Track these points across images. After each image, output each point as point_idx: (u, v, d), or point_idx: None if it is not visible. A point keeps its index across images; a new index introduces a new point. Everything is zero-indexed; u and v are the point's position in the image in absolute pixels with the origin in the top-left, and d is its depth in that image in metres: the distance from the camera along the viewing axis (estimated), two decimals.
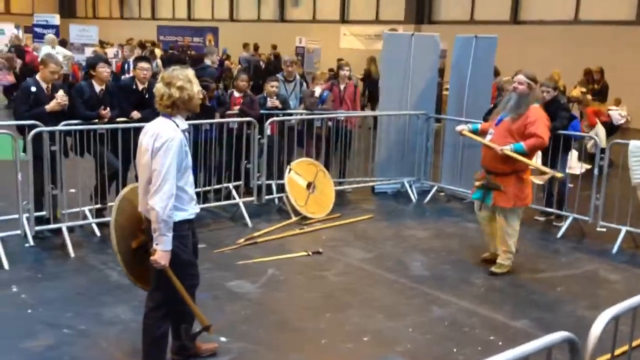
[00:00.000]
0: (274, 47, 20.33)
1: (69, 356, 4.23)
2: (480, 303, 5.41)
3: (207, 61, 10.46)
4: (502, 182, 5.80)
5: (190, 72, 3.82)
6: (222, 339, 4.54)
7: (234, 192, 7.72)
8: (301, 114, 8.49)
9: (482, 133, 6.14)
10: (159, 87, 3.71)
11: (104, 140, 6.66)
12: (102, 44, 22.41)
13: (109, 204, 6.80)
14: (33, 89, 6.31)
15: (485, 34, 8.71)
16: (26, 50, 16.46)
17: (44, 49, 16.24)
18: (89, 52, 17.84)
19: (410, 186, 8.90)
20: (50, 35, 16.60)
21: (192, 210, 3.85)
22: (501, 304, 5.43)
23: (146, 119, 6.78)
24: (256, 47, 20.30)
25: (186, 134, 3.85)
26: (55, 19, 21.94)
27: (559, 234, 7.31)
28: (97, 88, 6.71)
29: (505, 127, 5.82)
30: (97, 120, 6.61)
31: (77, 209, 6.70)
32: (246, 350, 4.42)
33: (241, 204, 7.46)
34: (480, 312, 5.23)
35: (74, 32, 20.20)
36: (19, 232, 6.05)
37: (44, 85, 6.37)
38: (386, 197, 8.96)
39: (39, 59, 6.85)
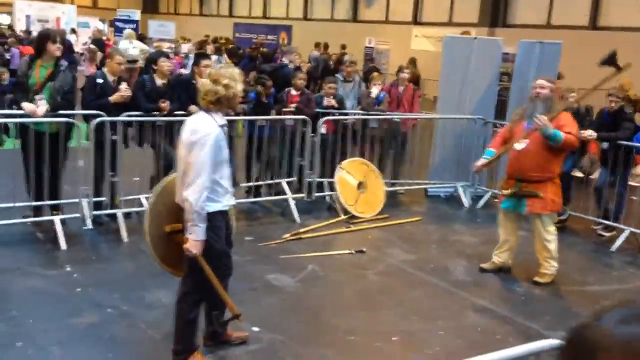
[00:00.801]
0: (343, 47, 20.44)
1: (109, 334, 4.47)
2: (518, 312, 5.35)
3: (285, 60, 10.66)
4: (539, 188, 5.71)
5: (236, 71, 3.99)
6: (255, 328, 4.69)
7: (286, 188, 7.88)
8: (357, 114, 8.56)
9: (508, 141, 6.01)
10: (206, 83, 3.89)
11: (162, 132, 6.95)
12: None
13: None
14: (100, 80, 6.66)
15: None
16: (106, 43, 17.23)
17: (122, 43, 16.96)
18: (165, 46, 18.46)
19: (464, 191, 8.82)
20: (128, 30, 17.30)
21: (226, 202, 4.01)
22: (540, 314, 5.34)
23: None
24: (326, 47, 20.47)
25: (225, 129, 4.01)
26: (136, 14, 22.83)
27: (614, 247, 7.10)
28: (159, 82, 7.01)
29: (539, 134, 5.69)
30: (157, 113, 6.90)
31: (134, 197, 7.02)
32: (276, 341, 4.55)
33: (290, 200, 7.61)
34: (517, 320, 5.17)
35: (153, 28, 21.01)
36: (78, 215, 6.40)
37: (110, 78, 6.71)
38: (438, 201, 8.92)
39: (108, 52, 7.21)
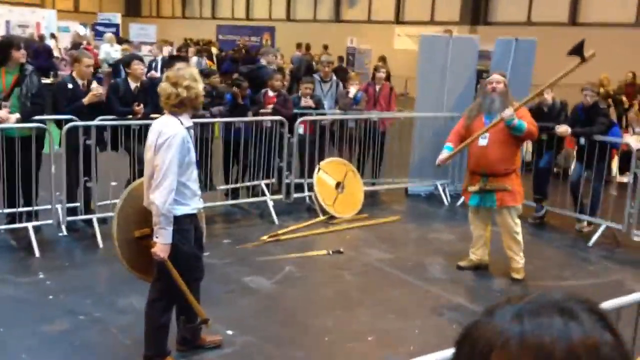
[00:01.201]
0: (325, 47, 20.45)
1: (80, 340, 4.43)
2: None
3: (263, 61, 10.63)
4: (505, 181, 5.76)
5: (195, 71, 3.96)
6: (229, 332, 4.66)
7: (265, 190, 7.86)
8: (335, 114, 8.55)
9: (465, 137, 6.03)
10: (165, 87, 3.85)
11: (137, 135, 6.89)
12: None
13: None
14: (70, 85, 6.60)
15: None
16: (87, 48, 17.09)
17: (103, 47, 16.87)
18: (146, 50, 18.38)
19: (444, 189, 8.83)
20: (108, 34, 17.21)
21: (194, 205, 3.98)
22: None
23: None
24: (308, 47, 20.45)
25: (191, 131, 3.98)
26: (117, 18, 22.70)
27: (591, 242, 7.12)
28: (132, 85, 6.96)
29: (501, 127, 5.73)
30: (131, 117, 6.85)
31: (110, 201, 6.95)
32: (249, 344, 4.52)
33: (269, 201, 7.58)
34: None
35: (134, 31, 20.88)
36: (51, 221, 6.33)
37: (80, 82, 6.65)
38: (419, 200, 8.92)
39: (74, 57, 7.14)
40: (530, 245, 7.27)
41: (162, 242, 3.77)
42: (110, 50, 16.55)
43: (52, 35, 22.69)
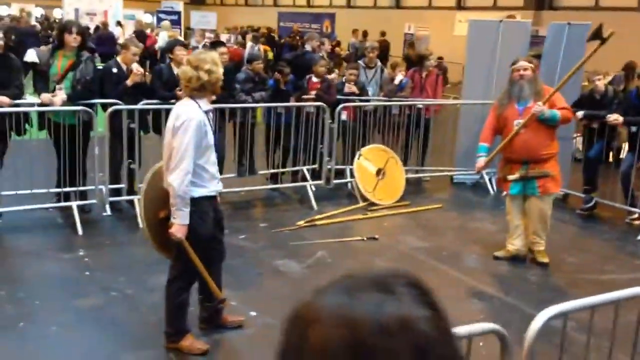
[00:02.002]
0: (383, 33, 20.26)
1: (109, 316, 4.59)
2: (526, 300, 5.22)
3: (308, 47, 10.66)
4: (547, 167, 5.63)
5: (215, 55, 4.01)
6: (252, 313, 4.73)
7: (306, 175, 7.90)
8: (378, 100, 8.49)
9: (500, 129, 5.87)
10: (187, 70, 3.91)
11: None
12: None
13: None
14: (114, 70, 6.79)
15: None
16: (148, 35, 17.55)
17: (162, 34, 17.28)
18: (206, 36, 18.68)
19: (490, 178, 8.63)
20: (165, 22, 17.58)
21: (212, 187, 4.04)
22: (550, 302, 5.18)
23: (221, 100, 7.16)
24: (365, 34, 20.31)
25: (210, 115, 4.03)
26: (179, 6, 23.14)
27: (639, 236, 6.84)
28: (175, 70, 7.09)
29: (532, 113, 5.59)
30: (173, 101, 6.98)
31: None
32: (271, 326, 4.56)
33: (308, 187, 7.62)
34: (525, 309, 5.04)
35: (195, 18, 21.27)
36: (95, 201, 6.56)
37: (124, 67, 6.83)
38: (464, 188, 8.77)
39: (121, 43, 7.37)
40: (577, 237, 7.09)
41: (178, 223, 3.85)
42: (166, 38, 16.94)
43: (118, 23, 23.40)
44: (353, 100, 8.16)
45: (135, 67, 6.80)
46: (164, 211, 4.16)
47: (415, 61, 10.21)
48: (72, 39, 6.41)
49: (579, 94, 7.79)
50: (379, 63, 8.86)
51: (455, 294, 5.30)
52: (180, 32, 21.59)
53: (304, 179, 7.91)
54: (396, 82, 8.40)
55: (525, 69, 5.73)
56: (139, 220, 6.49)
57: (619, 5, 18.63)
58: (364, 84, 8.46)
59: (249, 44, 16.96)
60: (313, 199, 7.48)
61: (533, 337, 2.22)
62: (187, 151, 3.79)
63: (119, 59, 6.92)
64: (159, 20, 21.83)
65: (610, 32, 5.31)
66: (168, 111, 6.92)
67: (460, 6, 24.27)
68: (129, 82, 6.72)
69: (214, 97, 4.35)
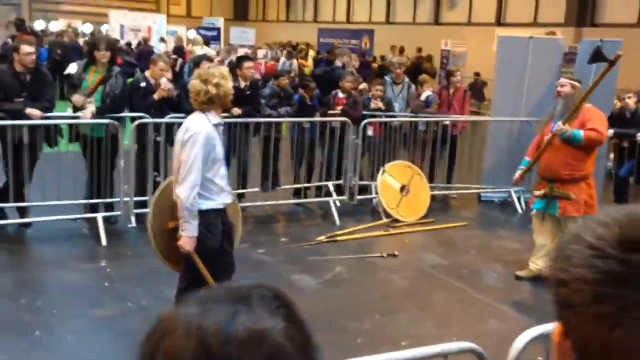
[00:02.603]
0: (419, 50, 20.22)
1: (122, 326, 4.67)
2: (545, 320, 5.09)
3: (338, 62, 10.76)
4: (572, 189, 5.47)
5: (224, 69, 4.08)
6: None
7: (331, 190, 7.92)
8: (405, 116, 8.47)
9: (538, 147, 5.82)
10: (195, 84, 3.99)
11: None
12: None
13: None
14: (142, 84, 6.97)
15: None
16: (187, 50, 17.92)
17: (196, 50, 17.64)
18: (241, 52, 18.96)
19: (519, 197, 8.50)
20: (196, 37, 17.94)
21: (221, 200, 4.09)
22: None
23: (247, 114, 7.27)
24: (402, 50, 20.31)
25: (220, 128, 4.10)
26: (219, 22, 23.55)
27: None
28: None
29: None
30: None
31: None
32: None
33: (331, 202, 7.63)
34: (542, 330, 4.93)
35: (234, 34, 21.62)
36: (119, 213, 6.71)
37: (152, 81, 6.99)
38: (491, 206, 8.65)
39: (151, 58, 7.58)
40: None
41: (187, 235, 3.92)
42: (200, 53, 17.33)
43: (162, 39, 23.95)
44: (379, 116, 8.16)
45: (164, 82, 6.95)
46: (173, 222, 4.23)
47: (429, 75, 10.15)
48: (101, 55, 6.61)
49: (609, 112, 7.63)
50: (407, 79, 8.84)
51: (471, 313, 5.24)
52: (220, 47, 21.96)
53: (329, 195, 7.93)
54: (422, 98, 8.37)
55: (562, 86, 5.65)
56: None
57: None
58: (390, 99, 8.45)
59: (282, 59, 17.17)
60: (336, 214, 7.49)
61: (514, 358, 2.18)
62: (195, 164, 3.85)
63: (147, 73, 7.09)
64: (202, 36, 22.26)
65: (617, 54, 5.24)
66: None
67: (499, 22, 24.08)
68: (156, 96, 6.88)
69: (239, 111, 4.39)
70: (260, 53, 19.16)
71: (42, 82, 6.47)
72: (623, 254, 0.75)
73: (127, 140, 6.82)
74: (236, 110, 7.29)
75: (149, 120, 6.73)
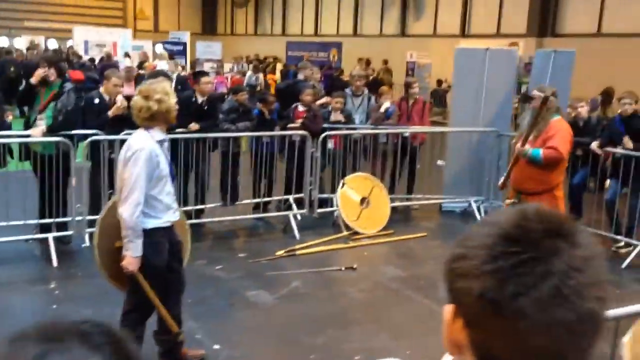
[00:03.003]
0: (385, 62, 20.36)
1: None
2: None
3: (300, 75, 10.76)
4: (535, 200, 5.48)
5: (167, 85, 4.02)
6: (216, 346, 4.67)
7: (293, 204, 7.87)
8: (365, 128, 8.47)
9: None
10: (137, 100, 3.92)
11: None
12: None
13: None
14: (96, 100, 6.86)
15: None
16: (149, 66, 17.80)
17: (160, 64, 17.54)
18: (207, 66, 18.92)
19: (479, 207, 8.54)
20: (162, 51, 17.84)
21: (166, 218, 4.02)
22: None
23: (205, 129, 7.20)
24: (368, 62, 20.44)
25: (164, 144, 4.03)
26: (186, 36, 23.45)
27: (624, 264, 6.70)
28: None
29: (530, 146, 5.52)
30: None
31: None
32: (234, 359, 4.51)
33: (291, 216, 7.58)
34: None
35: (200, 49, 21.55)
36: (71, 232, 6.57)
37: (106, 97, 6.89)
38: (452, 216, 8.68)
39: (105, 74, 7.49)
40: None
41: (130, 255, 3.83)
42: (165, 67, 17.25)
43: (127, 54, 23.75)
44: (339, 129, 8.16)
45: (120, 100, 6.84)
46: (120, 241, 4.14)
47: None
48: (41, 72, 6.47)
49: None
50: (366, 91, 8.86)
51: (427, 325, 5.20)
52: (186, 62, 21.85)
53: (291, 209, 7.88)
54: (382, 110, 8.39)
55: (533, 98, 5.65)
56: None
57: (622, 32, 18.58)
58: (350, 112, 8.46)
59: (248, 73, 17.15)
60: (296, 228, 7.44)
61: None
62: (138, 182, 3.78)
63: (101, 89, 6.99)
64: (167, 50, 22.14)
65: (547, 95, 5.33)
66: None
67: (464, 34, 24.37)
68: (110, 113, 6.77)
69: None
70: (227, 67, 19.13)
71: None
72: (520, 222, 0.84)
73: (79, 158, 6.69)
74: (194, 126, 7.23)
75: (102, 137, 6.63)
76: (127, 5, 38.02)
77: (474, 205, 8.54)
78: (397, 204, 8.62)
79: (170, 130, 6.96)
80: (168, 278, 4.13)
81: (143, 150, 3.82)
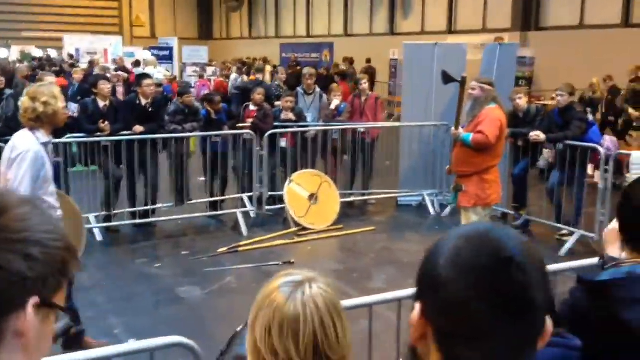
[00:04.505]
0: (368, 60, 20.47)
1: None
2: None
3: (259, 76, 10.90)
4: (465, 182, 5.72)
5: (55, 89, 4.15)
6: (131, 340, 4.76)
7: (246, 202, 8.00)
8: (317, 126, 8.58)
9: None
10: (24, 101, 4.05)
11: (108, 152, 7.21)
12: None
13: (114, 211, 7.39)
14: None
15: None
16: (130, 70, 17.98)
17: (148, 69, 17.75)
18: (190, 70, 19.11)
19: (432, 200, 8.62)
20: (150, 57, 18.02)
21: None
22: None
23: (149, 131, 7.33)
24: (351, 62, 20.54)
25: (49, 147, 4.16)
26: (173, 42, 23.67)
27: (563, 251, 6.77)
28: (101, 104, 7.29)
29: (467, 132, 5.69)
30: (99, 133, 7.17)
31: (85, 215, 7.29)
32: None
33: (238, 214, 7.70)
34: None
35: (186, 53, 21.75)
36: None
37: None
38: (407, 210, 8.76)
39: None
40: None
41: None
42: (154, 72, 17.40)
43: (114, 61, 23.97)
44: (290, 127, 8.26)
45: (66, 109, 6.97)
46: None
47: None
48: None
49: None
50: (318, 89, 8.95)
51: (348, 314, 5.30)
52: (173, 66, 22.06)
53: (243, 206, 8.00)
54: (332, 107, 8.49)
55: (473, 89, 5.79)
56: None
57: (604, 23, 18.57)
58: (301, 110, 8.56)
59: (232, 75, 17.30)
60: (244, 225, 7.56)
61: None
62: (22, 183, 3.88)
63: None
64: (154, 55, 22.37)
65: (462, 76, 5.56)
66: (97, 144, 7.17)
67: (451, 30, 24.41)
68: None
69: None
70: (210, 70, 19.31)
71: None
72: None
73: None
74: (138, 128, 7.36)
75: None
76: (122, 12, 38.28)
77: (428, 199, 8.62)
78: (353, 199, 8.74)
79: (114, 133, 7.18)
80: None
81: (29, 151, 3.93)
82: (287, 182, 7.86)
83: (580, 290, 1.79)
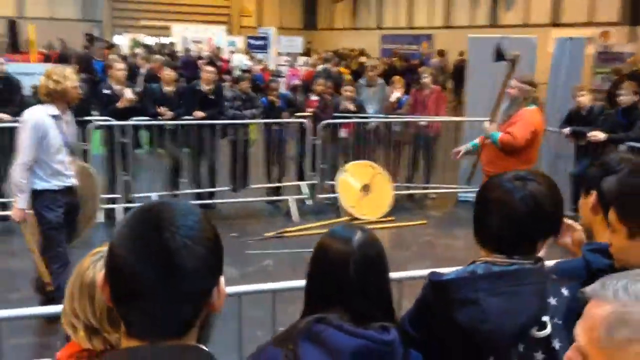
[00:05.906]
0: (461, 53, 20.03)
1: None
2: None
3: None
4: None
5: (68, 70, 4.62)
6: None
7: (305, 189, 8.22)
8: (378, 117, 8.62)
9: None
10: (41, 79, 4.59)
11: (171, 135, 7.63)
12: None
13: (174, 192, 7.82)
14: (106, 91, 7.49)
15: None
16: (222, 58, 18.69)
17: (236, 57, 18.39)
18: (282, 60, 19.58)
19: None
20: (239, 45, 18.64)
21: (55, 182, 4.60)
22: None
23: (209, 117, 7.68)
24: (443, 54, 20.22)
25: (61, 120, 4.61)
26: (272, 32, 24.27)
27: None
28: (166, 89, 7.70)
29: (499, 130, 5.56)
30: (162, 117, 7.57)
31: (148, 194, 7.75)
32: None
33: (290, 200, 7.91)
34: None
35: (282, 43, 22.25)
36: None
37: (116, 86, 7.48)
38: (465, 206, 8.57)
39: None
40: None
41: (15, 206, 4.52)
42: (243, 59, 18.08)
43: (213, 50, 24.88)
44: (349, 117, 8.36)
45: (127, 94, 7.42)
46: None
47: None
48: None
49: (567, 110, 7.48)
50: (381, 81, 8.96)
51: None
52: (268, 55, 22.63)
53: (300, 193, 8.22)
54: (392, 99, 8.49)
55: (511, 88, 5.69)
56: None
57: None
58: (362, 101, 8.62)
59: (319, 66, 17.57)
60: (296, 212, 7.76)
61: None
62: (24, 147, 4.42)
63: (109, 80, 7.62)
64: (250, 45, 23.04)
65: (515, 54, 5.28)
66: (160, 127, 7.62)
67: (555, 23, 23.40)
68: (119, 105, 7.37)
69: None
70: (301, 60, 19.69)
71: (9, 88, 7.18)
72: None
73: (95, 149, 7.41)
74: (198, 114, 7.71)
75: (109, 123, 7.28)
76: (232, 2, 39.55)
77: None
78: (412, 191, 8.74)
79: (176, 117, 7.57)
80: (60, 232, 4.66)
81: (30, 120, 4.46)
82: (339, 173, 7.97)
83: (428, 287, 1.83)
